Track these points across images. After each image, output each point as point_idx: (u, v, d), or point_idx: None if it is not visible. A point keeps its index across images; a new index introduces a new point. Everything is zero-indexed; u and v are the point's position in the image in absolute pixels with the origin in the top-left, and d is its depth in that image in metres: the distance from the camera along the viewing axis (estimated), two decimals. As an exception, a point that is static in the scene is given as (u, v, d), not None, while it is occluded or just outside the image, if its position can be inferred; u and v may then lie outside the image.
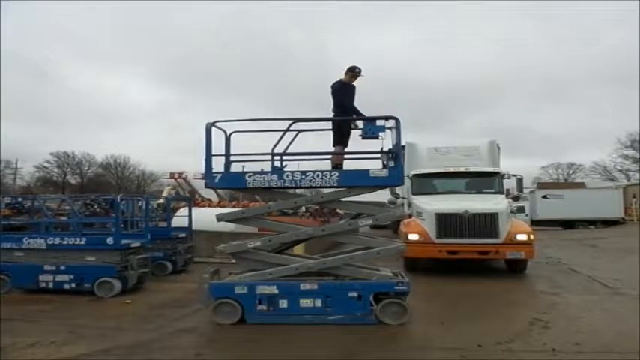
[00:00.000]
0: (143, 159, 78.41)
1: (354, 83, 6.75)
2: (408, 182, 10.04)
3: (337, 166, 6.71)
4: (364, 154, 6.49)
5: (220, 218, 5.96)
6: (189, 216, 10.38)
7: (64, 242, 7.62)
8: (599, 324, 5.45)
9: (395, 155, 5.81)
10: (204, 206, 24.30)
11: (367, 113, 6.45)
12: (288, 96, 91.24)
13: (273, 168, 5.87)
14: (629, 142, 53.66)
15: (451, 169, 10.25)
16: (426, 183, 10.36)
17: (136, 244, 7.95)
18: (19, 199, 14.54)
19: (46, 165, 59.04)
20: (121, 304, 6.91)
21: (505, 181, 10.46)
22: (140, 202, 9.39)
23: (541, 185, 32.98)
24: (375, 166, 5.93)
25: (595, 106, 76.44)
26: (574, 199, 25.02)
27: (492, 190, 10.06)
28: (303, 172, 5.75)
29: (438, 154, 10.88)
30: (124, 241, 7.63)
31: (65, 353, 4.58)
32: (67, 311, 6.56)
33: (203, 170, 6.03)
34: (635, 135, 52.93)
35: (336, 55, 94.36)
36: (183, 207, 12.85)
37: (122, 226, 7.83)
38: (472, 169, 10.24)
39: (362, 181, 5.75)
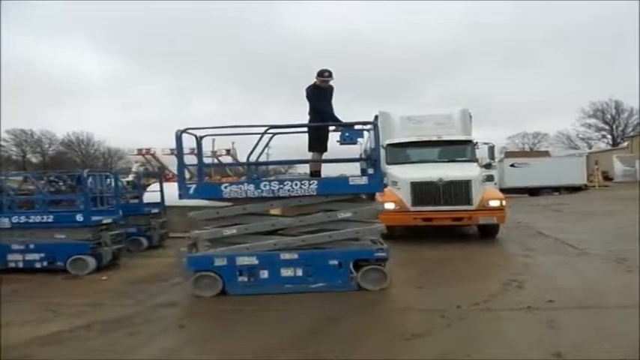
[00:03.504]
0: (105, 136, 75.34)
1: (331, 84, 6.62)
2: (382, 152, 10.08)
3: (315, 173, 6.61)
4: (343, 161, 6.47)
5: (193, 216, 5.83)
6: (161, 191, 10.17)
7: (30, 220, 7.34)
8: (569, 282, 5.68)
9: (374, 161, 5.75)
10: (175, 181, 23.79)
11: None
12: (247, 66, 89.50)
13: (250, 178, 5.76)
14: (592, 111, 55.61)
15: (425, 138, 10.32)
16: (400, 152, 10.42)
17: (107, 220, 7.73)
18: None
19: (3, 144, 56.37)
20: (97, 281, 6.76)
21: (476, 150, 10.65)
22: (108, 179, 9.10)
23: (508, 154, 33.78)
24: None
25: (558, 72, 77.89)
26: (540, 167, 25.79)
27: (465, 158, 10.21)
28: (281, 182, 5.68)
29: (411, 123, 10.91)
30: (94, 218, 7.40)
31: (43, 331, 4.44)
32: (41, 290, 6.36)
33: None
34: (598, 104, 54.87)
35: (291, 21, 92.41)
36: (154, 183, 12.55)
37: (91, 202, 7.58)
38: (445, 138, 10.34)
39: (341, 188, 5.70)
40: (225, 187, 5.63)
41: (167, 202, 10.08)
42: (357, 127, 6.20)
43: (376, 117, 11.81)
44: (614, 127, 55.95)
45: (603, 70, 73.26)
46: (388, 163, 10.15)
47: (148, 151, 45.08)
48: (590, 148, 53.41)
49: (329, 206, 5.72)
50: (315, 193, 5.59)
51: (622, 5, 65.14)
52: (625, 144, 46.67)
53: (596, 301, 4.80)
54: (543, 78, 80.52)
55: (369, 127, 6.35)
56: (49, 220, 7.33)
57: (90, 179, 7.97)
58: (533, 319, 4.26)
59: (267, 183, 5.65)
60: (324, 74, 6.57)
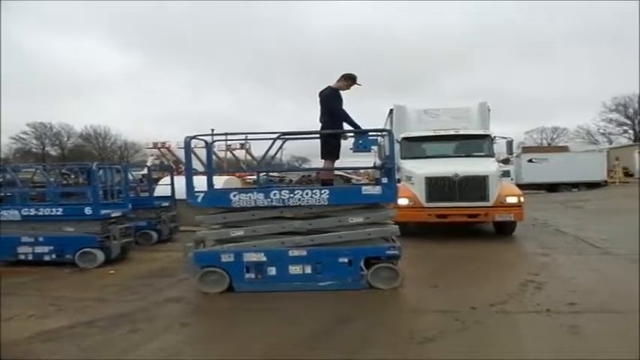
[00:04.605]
0: (122, 129, 76.27)
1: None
2: (397, 146, 9.84)
3: (327, 182, 6.39)
4: (356, 169, 6.20)
5: (200, 220, 5.69)
6: (172, 185, 10.09)
7: (40, 213, 7.32)
8: (592, 284, 5.41)
9: (388, 170, 5.52)
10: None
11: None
12: (262, 61, 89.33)
13: (260, 186, 5.58)
14: (614, 105, 54.22)
15: (441, 132, 10.05)
16: (415, 146, 10.17)
17: (116, 213, 7.66)
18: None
19: (23, 136, 57.44)
20: (105, 275, 6.70)
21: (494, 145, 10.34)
22: (120, 171, 9.05)
23: (526, 149, 33.14)
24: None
25: (578, 67, 76.10)
26: (559, 163, 25.24)
27: (482, 153, 9.91)
28: (292, 190, 5.46)
29: (427, 116, 10.65)
30: (103, 211, 7.34)
31: (45, 326, 4.35)
32: (48, 283, 6.32)
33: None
34: (620, 99, 53.45)
35: (308, 18, 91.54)
36: (167, 176, 12.52)
37: (101, 195, 7.52)
38: (462, 132, 10.05)
39: (353, 198, 5.49)
40: (234, 196, 5.46)
41: (178, 196, 10.01)
42: (371, 134, 6.02)
43: (391, 110, 11.60)
44: (636, 121, 54.49)
45: (624, 66, 71.27)
46: (402, 158, 9.92)
47: (163, 144, 45.52)
48: (610, 143, 52.15)
49: (341, 212, 5.53)
50: (326, 203, 5.40)
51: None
52: (647, 139, 45.38)
53: (621, 305, 4.52)
54: (564, 73, 78.78)
55: (384, 134, 6.13)
56: (59, 213, 7.30)
57: (100, 172, 7.92)
58: (553, 324, 4.02)
59: (277, 192, 5.46)
60: (355, 79, 6.39)
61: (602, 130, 56.02)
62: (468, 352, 3.48)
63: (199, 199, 5.51)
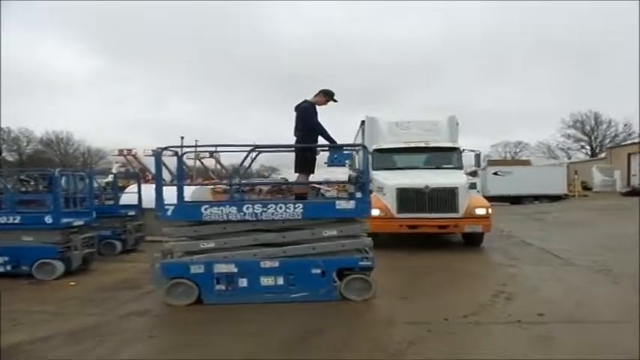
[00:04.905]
0: (86, 135, 73.57)
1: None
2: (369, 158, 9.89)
3: (301, 195, 6.34)
4: (330, 183, 6.21)
5: (169, 233, 5.51)
6: (139, 193, 9.78)
7: (-5, 221, 6.90)
8: (558, 294, 5.54)
9: (362, 185, 5.52)
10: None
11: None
12: (230, 68, 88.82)
13: (232, 199, 5.48)
14: (572, 121, 56.69)
15: (412, 144, 10.17)
16: (387, 158, 10.24)
17: (79, 222, 7.33)
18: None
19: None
20: (65, 287, 6.37)
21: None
22: (83, 179, 8.70)
23: (491, 162, 34.07)
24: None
25: (536, 84, 79.36)
26: (522, 176, 26.04)
27: (451, 166, 10.09)
28: (265, 204, 5.37)
29: (398, 128, 10.76)
30: (64, 220, 7.00)
31: (2, 342, 4.07)
32: (3, 297, 5.93)
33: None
34: (578, 115, 55.96)
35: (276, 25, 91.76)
36: (133, 184, 12.15)
37: (63, 203, 7.18)
38: (432, 145, 10.21)
39: (327, 212, 5.43)
40: (206, 209, 5.31)
41: (145, 205, 9.70)
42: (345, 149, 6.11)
43: (363, 122, 11.67)
44: (592, 137, 57.12)
45: (581, 83, 74.92)
46: (374, 169, 9.95)
47: (129, 151, 44.27)
48: (569, 158, 54.38)
49: (314, 225, 5.47)
50: (300, 217, 5.33)
51: (598, 20, 66.99)
52: (603, 154, 47.60)
53: (587, 314, 4.65)
54: (525, 90, 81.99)
55: (358, 148, 6.15)
56: (16, 221, 6.91)
57: (63, 179, 7.58)
58: (525, 334, 4.06)
59: (249, 205, 5.34)
60: (334, 96, 6.45)
61: (561, 146, 58.42)
62: (442, 364, 3.47)
63: (169, 213, 5.33)
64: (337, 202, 5.56)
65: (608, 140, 54.32)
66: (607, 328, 4.25)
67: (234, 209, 5.29)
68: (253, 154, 5.95)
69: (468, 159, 11.18)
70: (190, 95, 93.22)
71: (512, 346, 3.82)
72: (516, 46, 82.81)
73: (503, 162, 38.29)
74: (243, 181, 6.69)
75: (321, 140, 6.32)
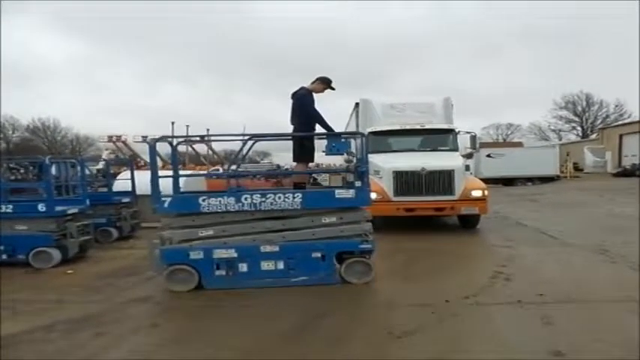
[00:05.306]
0: (73, 122, 72.38)
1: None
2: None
3: (300, 185, 6.25)
4: (329, 172, 6.12)
5: (166, 223, 5.39)
6: (132, 179, 9.67)
7: (-13, 210, 6.78)
8: (556, 275, 5.58)
9: (361, 174, 5.47)
10: (147, 169, 22.98)
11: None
12: (219, 53, 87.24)
13: (230, 189, 5.38)
14: (564, 103, 56.93)
15: (407, 127, 10.12)
16: (382, 141, 10.19)
17: (73, 210, 7.23)
18: None
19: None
20: (63, 275, 6.30)
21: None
22: (75, 166, 8.58)
23: (483, 144, 34.17)
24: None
25: (529, 65, 79.29)
26: (515, 158, 26.14)
27: (447, 148, 10.08)
28: (264, 194, 5.29)
29: (393, 110, 10.70)
30: (58, 208, 6.91)
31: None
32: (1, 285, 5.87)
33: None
34: (570, 97, 56.17)
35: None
36: (125, 171, 12.02)
37: (56, 191, 7.07)
38: (428, 126, 10.17)
39: (326, 202, 5.36)
40: (204, 200, 5.24)
41: (138, 191, 9.60)
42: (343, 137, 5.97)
43: (357, 104, 11.59)
44: (584, 119, 57.47)
45: (571, 65, 74.93)
46: (370, 152, 9.87)
47: (118, 138, 43.74)
48: (560, 139, 54.77)
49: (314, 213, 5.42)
50: (299, 207, 5.28)
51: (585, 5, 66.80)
52: (594, 136, 47.96)
53: (586, 294, 4.69)
54: (515, 71, 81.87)
55: (356, 136, 6.10)
56: (9, 210, 6.80)
57: (54, 167, 7.46)
58: (526, 315, 4.10)
59: (248, 196, 5.27)
60: (331, 84, 6.36)
61: (552, 127, 58.74)
62: (449, 345, 3.48)
63: (166, 205, 5.26)
64: (337, 191, 5.50)
65: (599, 121, 54.68)
66: (607, 308, 4.29)
67: (232, 200, 5.23)
68: (250, 143, 5.87)
69: (463, 141, 11.18)
70: (179, 80, 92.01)
71: (514, 326, 3.85)
72: (509, 27, 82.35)
73: (495, 144, 38.44)
74: (240, 170, 6.59)
75: (318, 128, 6.26)
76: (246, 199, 5.25)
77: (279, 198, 5.26)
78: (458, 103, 11.39)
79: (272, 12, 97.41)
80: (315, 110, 6.21)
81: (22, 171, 12.63)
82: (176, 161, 6.03)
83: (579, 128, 58.15)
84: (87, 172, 9.56)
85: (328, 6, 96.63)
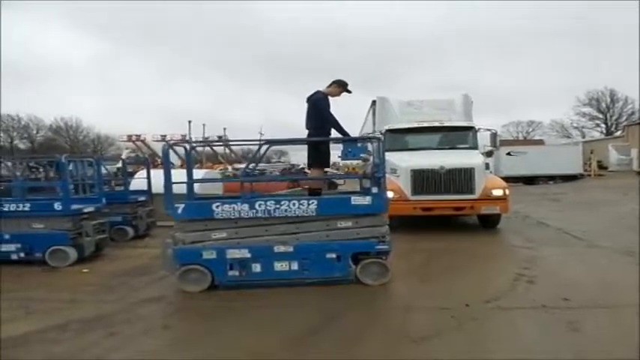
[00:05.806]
0: (94, 121, 73.73)
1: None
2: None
3: (315, 191, 6.10)
4: (344, 177, 5.98)
5: (180, 227, 5.34)
6: (148, 178, 9.69)
7: (5, 209, 6.83)
8: (581, 277, 5.36)
9: (378, 179, 5.32)
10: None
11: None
12: (232, 53, 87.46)
13: (244, 196, 5.29)
14: (588, 99, 55.56)
15: (425, 124, 9.91)
16: (399, 138, 10.01)
17: (89, 208, 7.25)
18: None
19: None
20: (78, 274, 6.31)
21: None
22: (92, 165, 8.61)
23: (503, 142, 33.57)
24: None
25: (551, 62, 77.59)
26: (536, 156, 25.59)
27: (467, 145, 9.83)
28: (278, 201, 5.18)
29: (411, 108, 10.49)
30: (74, 206, 6.93)
31: (11, 332, 4.00)
32: (16, 284, 5.88)
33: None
34: (594, 93, 54.79)
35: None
36: (142, 169, 12.08)
37: (72, 190, 7.09)
38: (447, 124, 9.94)
39: (342, 209, 5.22)
40: (217, 207, 5.16)
41: (155, 190, 9.62)
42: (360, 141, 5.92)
43: (374, 102, 11.42)
44: (608, 115, 56.00)
45: (595, 62, 73.06)
46: (387, 150, 9.70)
47: (138, 137, 44.44)
48: (583, 136, 53.49)
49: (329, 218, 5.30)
50: (314, 214, 5.16)
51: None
52: (619, 133, 46.67)
53: (614, 299, 4.45)
54: (537, 68, 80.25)
55: (373, 141, 5.93)
56: (26, 208, 6.85)
57: (71, 165, 7.49)
58: (551, 320, 3.90)
59: (262, 202, 5.17)
60: (347, 87, 6.21)
61: (575, 124, 57.40)
62: (469, 352, 3.33)
63: (179, 211, 5.19)
64: (353, 197, 5.35)
65: (624, 118, 53.21)
66: (636, 314, 4.06)
67: (246, 206, 5.13)
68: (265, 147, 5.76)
69: (483, 139, 10.90)
70: (196, 79, 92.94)
71: (538, 333, 3.66)
72: (530, 25, 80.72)
73: (515, 142, 37.75)
74: (255, 177, 6.49)
75: (334, 133, 6.13)
76: (260, 205, 5.15)
77: (294, 205, 5.14)
78: (477, 101, 11.13)
79: (284, 12, 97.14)
80: (331, 114, 6.07)
81: (41, 170, 12.83)
82: (191, 166, 5.94)
83: (603, 125, 56.69)
84: (105, 171, 9.62)
85: (342, 5, 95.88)
